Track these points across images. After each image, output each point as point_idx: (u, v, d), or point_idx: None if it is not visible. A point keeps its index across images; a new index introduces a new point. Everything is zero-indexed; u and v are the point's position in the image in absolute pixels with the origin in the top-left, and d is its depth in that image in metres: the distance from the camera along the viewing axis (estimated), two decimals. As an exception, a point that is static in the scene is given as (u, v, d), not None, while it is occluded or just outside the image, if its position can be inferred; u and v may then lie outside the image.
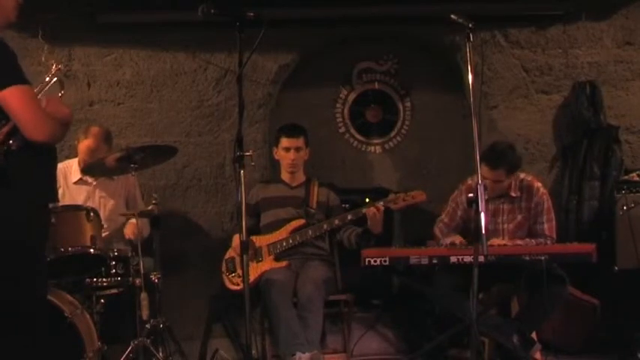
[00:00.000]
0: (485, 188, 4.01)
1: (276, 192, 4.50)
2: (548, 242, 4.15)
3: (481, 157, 3.90)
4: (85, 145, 4.38)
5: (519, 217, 4.23)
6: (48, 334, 2.94)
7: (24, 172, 2.84)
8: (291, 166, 4.48)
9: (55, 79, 3.20)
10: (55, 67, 3.22)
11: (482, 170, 3.95)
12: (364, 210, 4.14)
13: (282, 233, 4.32)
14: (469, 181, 4.32)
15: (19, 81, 2.78)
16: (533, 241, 4.16)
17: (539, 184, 4.26)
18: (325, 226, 4.25)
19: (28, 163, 2.85)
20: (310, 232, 4.26)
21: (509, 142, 4.46)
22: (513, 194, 4.20)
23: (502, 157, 4.10)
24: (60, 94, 3.16)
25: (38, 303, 2.93)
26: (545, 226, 4.19)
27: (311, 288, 4.11)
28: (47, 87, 3.15)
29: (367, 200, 4.21)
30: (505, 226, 4.25)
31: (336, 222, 4.24)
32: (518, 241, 4.16)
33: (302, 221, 4.34)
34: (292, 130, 4.50)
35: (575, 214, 4.91)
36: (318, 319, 4.06)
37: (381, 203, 4.15)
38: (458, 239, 4.20)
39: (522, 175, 4.25)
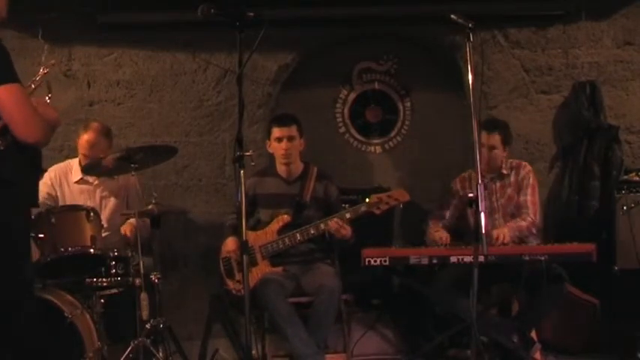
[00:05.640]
0: (484, 184, 4.11)
1: (272, 188, 4.37)
2: (531, 216, 4.26)
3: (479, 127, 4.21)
4: (84, 139, 4.38)
5: (509, 190, 4.38)
6: (40, 342, 2.92)
7: (11, 172, 2.81)
8: (284, 157, 4.29)
9: (44, 81, 3.17)
10: (43, 70, 3.18)
11: (482, 138, 4.23)
12: (363, 209, 4.14)
13: (271, 233, 4.24)
14: (464, 174, 4.50)
15: (12, 79, 2.75)
16: (520, 221, 4.24)
17: (527, 164, 4.46)
18: (312, 231, 4.14)
19: (15, 163, 2.82)
20: (299, 237, 4.17)
21: (503, 120, 4.68)
22: (504, 172, 4.38)
23: (497, 122, 4.47)
24: (47, 97, 3.12)
25: (25, 303, 2.89)
26: (529, 198, 4.33)
27: (329, 281, 4.10)
28: (35, 89, 3.11)
29: (367, 200, 4.20)
30: (499, 202, 4.37)
31: (322, 226, 4.14)
32: (507, 224, 4.23)
33: (287, 217, 4.24)
34: (283, 119, 4.36)
35: (575, 214, 4.91)
36: (332, 317, 4.07)
37: (363, 209, 4.12)
38: (445, 237, 4.25)
39: (512, 160, 4.46)
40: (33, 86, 3.11)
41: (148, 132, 5.17)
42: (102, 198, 4.45)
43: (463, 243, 4.14)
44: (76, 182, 4.45)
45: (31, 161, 2.91)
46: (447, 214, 4.50)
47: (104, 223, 4.05)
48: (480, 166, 4.33)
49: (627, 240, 4.55)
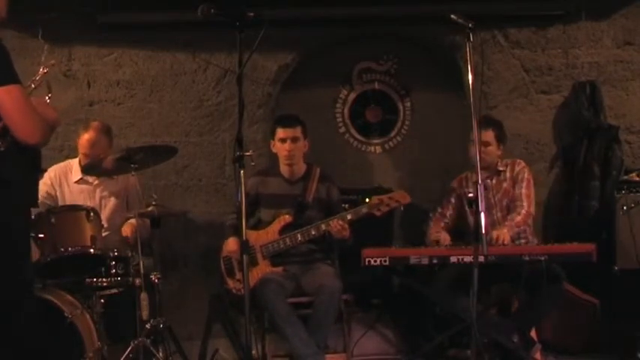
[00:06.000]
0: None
1: (275, 188, 4.37)
2: (525, 207, 4.29)
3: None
4: (84, 138, 4.38)
5: (505, 184, 4.41)
6: (40, 342, 2.91)
7: (11, 173, 2.81)
8: (287, 157, 4.30)
9: (44, 81, 3.17)
10: (43, 69, 3.18)
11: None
12: (364, 210, 4.14)
13: (272, 232, 4.26)
14: (462, 175, 4.54)
15: (12, 80, 2.74)
16: (515, 216, 4.25)
17: (521, 161, 4.50)
18: (313, 232, 4.16)
19: (16, 164, 2.82)
20: (300, 237, 4.18)
21: (498, 118, 4.70)
22: (501, 168, 4.42)
23: (490, 119, 4.50)
24: (47, 97, 3.12)
25: (25, 303, 2.89)
26: (523, 190, 4.35)
27: (329, 281, 4.11)
28: (34, 88, 3.11)
29: (367, 200, 4.20)
30: (496, 198, 4.38)
31: (323, 227, 4.15)
32: (505, 223, 4.24)
33: (288, 218, 4.26)
34: (288, 120, 4.35)
35: (575, 214, 4.91)
36: (333, 318, 4.07)
37: (364, 210, 4.13)
38: (447, 239, 4.27)
39: (508, 159, 4.49)
40: (33, 86, 3.11)
41: (148, 132, 5.18)
42: (102, 198, 4.45)
43: (463, 243, 4.14)
44: (76, 182, 4.45)
45: (30, 161, 2.91)
46: (448, 213, 4.52)
47: (104, 222, 4.05)
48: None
49: (627, 240, 4.55)
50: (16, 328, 2.81)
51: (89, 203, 4.30)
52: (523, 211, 4.28)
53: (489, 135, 4.34)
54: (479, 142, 4.27)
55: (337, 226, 4.11)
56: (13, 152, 2.79)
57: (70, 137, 4.82)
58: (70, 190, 4.44)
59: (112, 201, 4.46)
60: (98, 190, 4.45)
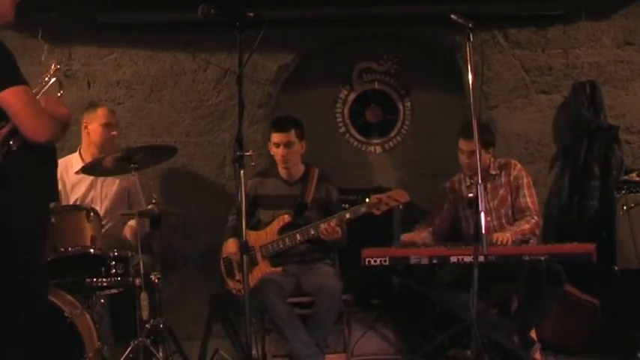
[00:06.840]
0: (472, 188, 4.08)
1: (273, 190, 4.37)
2: (535, 217, 4.21)
3: (457, 133, 4.24)
4: (100, 113, 4.44)
5: (501, 191, 4.31)
6: (46, 338, 2.93)
7: (24, 172, 2.84)
8: (282, 162, 4.29)
9: (54, 79, 3.20)
10: (54, 67, 3.23)
11: (460, 145, 4.23)
12: (363, 210, 4.13)
13: (271, 233, 4.25)
14: (454, 178, 4.48)
15: (19, 82, 2.78)
16: (523, 224, 4.17)
17: (516, 162, 4.38)
18: (312, 232, 4.14)
19: (28, 162, 2.85)
20: (299, 237, 4.17)
21: (484, 121, 4.56)
22: (493, 172, 4.31)
23: (471, 128, 4.13)
24: (59, 94, 3.16)
25: (38, 304, 2.93)
26: (528, 199, 4.26)
27: (330, 281, 4.10)
28: (46, 87, 3.15)
29: (367, 200, 4.20)
30: (491, 204, 4.29)
31: (323, 226, 4.12)
32: (510, 227, 4.19)
33: (287, 218, 4.25)
34: (281, 124, 4.31)
35: (575, 214, 4.91)
36: (333, 318, 4.07)
37: (363, 209, 4.12)
38: (421, 238, 4.30)
39: (500, 159, 4.40)
40: (46, 80, 3.15)
41: (148, 132, 5.18)
42: (103, 187, 4.45)
43: (463, 243, 4.13)
44: (77, 173, 4.43)
45: (43, 159, 2.93)
46: (437, 220, 4.47)
47: (104, 214, 4.07)
48: (465, 172, 4.37)
49: (627, 240, 4.55)
50: (16, 328, 2.82)
51: (91, 192, 4.35)
52: (533, 221, 4.19)
53: (473, 145, 4.24)
54: (460, 149, 4.25)
55: (325, 230, 4.09)
56: (25, 151, 2.82)
57: (69, 137, 4.79)
58: (70, 182, 4.43)
59: (114, 190, 4.47)
60: (99, 181, 4.45)
